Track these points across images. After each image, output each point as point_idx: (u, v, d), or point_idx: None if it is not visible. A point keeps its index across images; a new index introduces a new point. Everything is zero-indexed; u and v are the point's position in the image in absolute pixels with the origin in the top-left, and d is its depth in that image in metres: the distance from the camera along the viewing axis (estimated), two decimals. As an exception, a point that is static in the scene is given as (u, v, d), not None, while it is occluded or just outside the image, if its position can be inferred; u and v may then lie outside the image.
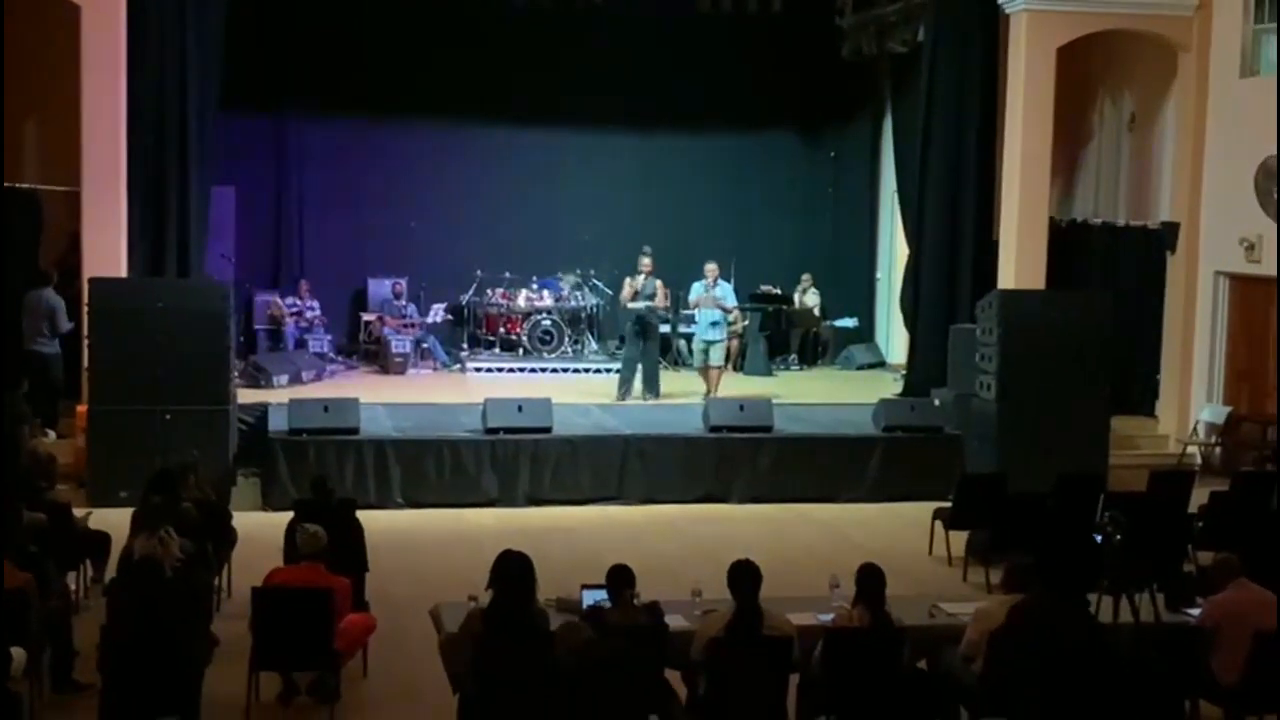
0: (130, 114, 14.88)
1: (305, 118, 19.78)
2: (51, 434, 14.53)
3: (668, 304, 17.32)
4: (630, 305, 16.61)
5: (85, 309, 13.69)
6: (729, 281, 17.32)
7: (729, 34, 19.85)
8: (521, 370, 18.73)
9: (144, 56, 14.99)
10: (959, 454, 14.69)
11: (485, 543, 10.90)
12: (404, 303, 19.45)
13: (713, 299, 16.53)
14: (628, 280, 16.82)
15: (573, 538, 12.59)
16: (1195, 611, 8.27)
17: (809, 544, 12.71)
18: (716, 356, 16.65)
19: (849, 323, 21.12)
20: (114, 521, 10.43)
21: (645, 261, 16.81)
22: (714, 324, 16.53)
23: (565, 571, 9.11)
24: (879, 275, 21.48)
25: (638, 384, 16.58)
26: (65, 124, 14.92)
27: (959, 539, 11.95)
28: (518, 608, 7.31)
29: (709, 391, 16.26)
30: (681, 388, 17.00)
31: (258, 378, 16.71)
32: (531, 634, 7.34)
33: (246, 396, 15.17)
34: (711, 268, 16.70)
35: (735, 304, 16.96)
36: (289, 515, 9.92)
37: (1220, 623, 7.88)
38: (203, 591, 8.97)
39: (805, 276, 20.82)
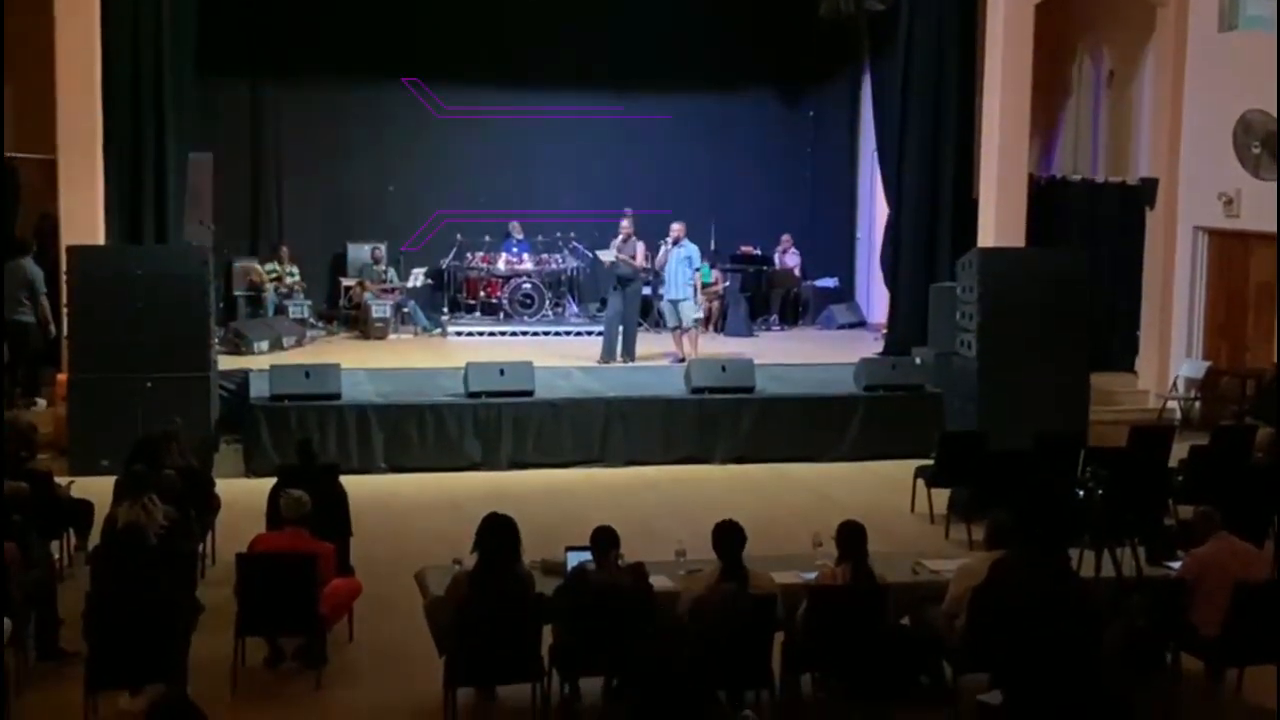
0: (106, 79, 14.76)
1: (284, 82, 19.58)
2: (42, 403, 14.48)
3: (648, 264, 17.24)
4: (603, 256, 16.54)
5: (64, 277, 13.62)
6: (696, 243, 17.11)
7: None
8: (502, 334, 18.70)
9: (119, 19, 14.86)
10: (940, 412, 14.71)
11: (469, 506, 10.91)
12: (384, 267, 19.39)
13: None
14: (613, 243, 16.77)
15: (556, 500, 12.60)
16: (1176, 565, 8.33)
17: (791, 503, 12.74)
18: (689, 317, 16.63)
19: (829, 282, 21.10)
20: (96, 490, 10.41)
21: (625, 224, 16.77)
22: (685, 282, 16.53)
23: (549, 533, 9.14)
24: (859, 234, 21.47)
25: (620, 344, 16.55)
26: (40, 90, 14.79)
27: (941, 496, 12.01)
28: (503, 570, 7.35)
29: (682, 356, 16.24)
30: (664, 349, 16.98)
31: (238, 344, 16.66)
32: (516, 595, 7.37)
33: (227, 363, 15.14)
34: (676, 227, 16.67)
35: (696, 267, 16.78)
36: (272, 481, 9.92)
37: (1201, 575, 7.96)
38: (187, 558, 8.99)
39: (785, 237, 20.79)
